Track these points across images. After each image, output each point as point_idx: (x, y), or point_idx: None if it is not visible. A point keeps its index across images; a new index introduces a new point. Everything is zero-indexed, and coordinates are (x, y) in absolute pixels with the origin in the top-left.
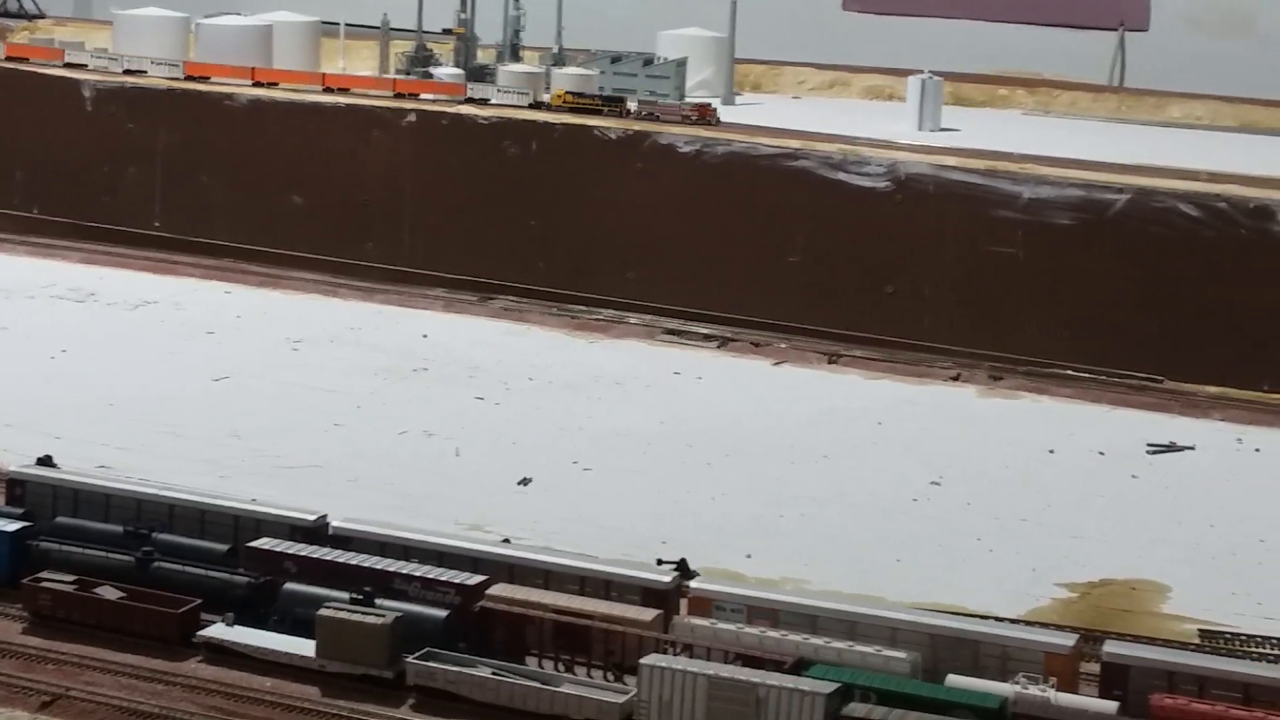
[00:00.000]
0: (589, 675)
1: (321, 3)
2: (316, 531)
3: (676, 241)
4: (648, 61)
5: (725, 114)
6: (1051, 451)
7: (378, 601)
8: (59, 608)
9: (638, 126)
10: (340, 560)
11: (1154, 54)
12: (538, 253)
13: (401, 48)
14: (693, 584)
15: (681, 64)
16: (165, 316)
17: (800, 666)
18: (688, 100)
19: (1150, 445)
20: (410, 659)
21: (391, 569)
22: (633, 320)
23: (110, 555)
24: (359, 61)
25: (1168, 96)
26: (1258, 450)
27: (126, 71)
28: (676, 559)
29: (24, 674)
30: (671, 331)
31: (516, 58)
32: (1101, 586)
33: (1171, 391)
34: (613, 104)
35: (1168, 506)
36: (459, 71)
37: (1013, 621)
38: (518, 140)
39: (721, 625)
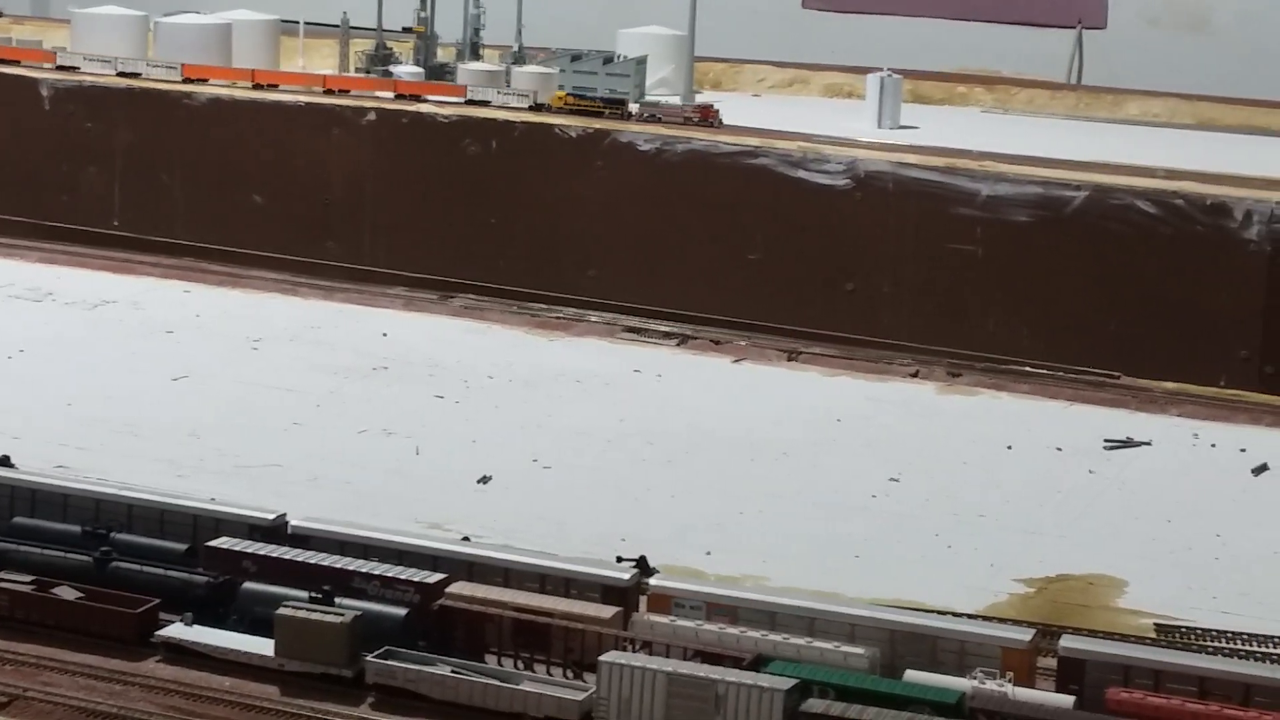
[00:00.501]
0: (549, 673)
1: (281, 1)
2: (275, 531)
3: (637, 239)
4: (607, 60)
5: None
6: (1009, 447)
7: (337, 600)
8: (16, 608)
9: (596, 124)
10: (299, 559)
11: (1111, 52)
12: (498, 251)
13: (361, 46)
14: (652, 581)
15: (641, 62)
16: (124, 316)
17: (759, 663)
18: (689, 102)
19: (1107, 441)
20: (370, 658)
21: (351, 568)
22: (593, 318)
23: (68, 555)
24: (319, 60)
25: (1125, 94)
26: (1214, 446)
27: (120, 74)
28: (636, 557)
29: None
30: (631, 329)
31: (476, 56)
32: (1059, 581)
33: (1129, 387)
34: (614, 106)
35: (1124, 502)
36: (419, 70)
37: (970, 617)
38: (478, 139)
39: (681, 622)
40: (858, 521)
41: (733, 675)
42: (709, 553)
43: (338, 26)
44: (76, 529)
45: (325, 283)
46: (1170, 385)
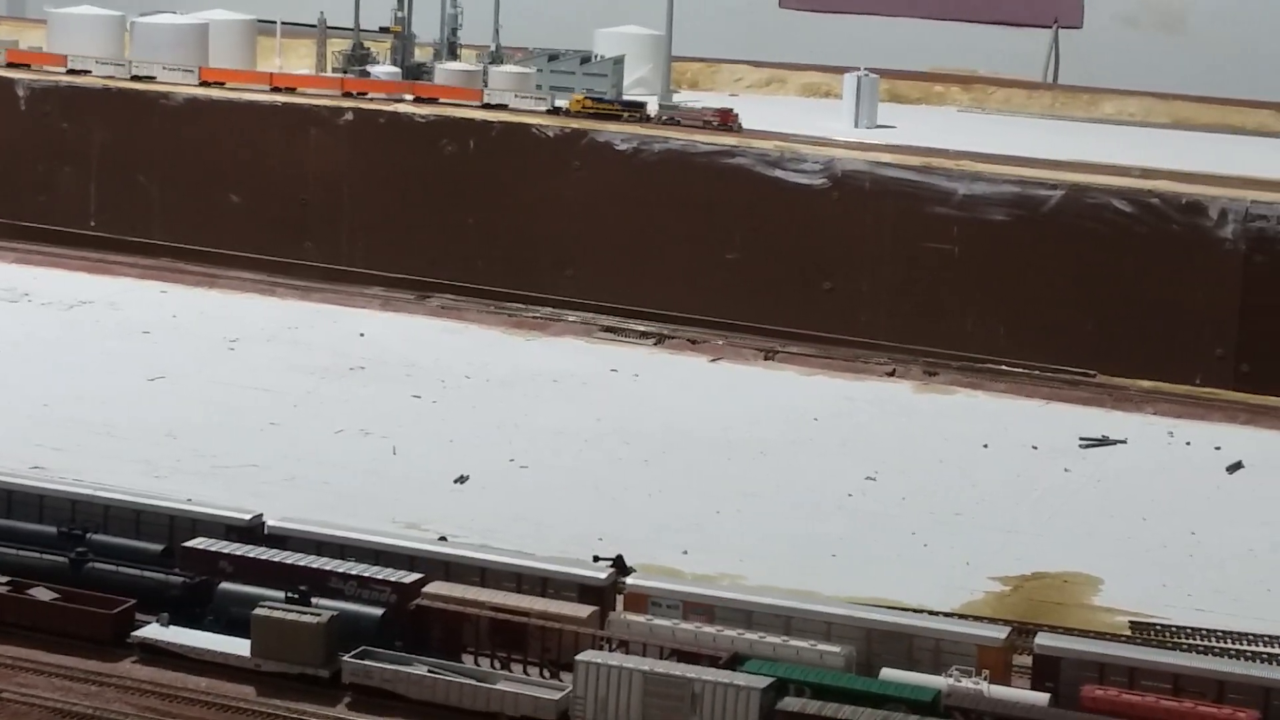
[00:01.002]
0: (525, 672)
1: (258, 1)
2: (252, 531)
3: (614, 239)
4: (585, 60)
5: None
6: (986, 446)
7: (313, 600)
8: None
9: (574, 124)
10: (276, 560)
11: (1087, 51)
12: (475, 251)
13: (338, 46)
14: (629, 580)
15: (619, 62)
16: (100, 316)
17: (735, 662)
18: (709, 105)
19: (1083, 439)
20: (346, 658)
21: (327, 568)
22: (570, 318)
23: (44, 556)
24: (296, 60)
25: (1101, 93)
26: (1188, 444)
27: (134, 78)
28: (613, 556)
29: None
30: (609, 329)
31: (454, 56)
32: (1034, 579)
33: (1104, 386)
34: (633, 109)
35: (1100, 500)
36: (396, 70)
37: (946, 615)
38: (455, 139)
39: (657, 621)
40: (834, 520)
41: (709, 674)
42: (686, 552)
43: (314, 26)
44: (52, 530)
45: (302, 283)
46: (1146, 384)
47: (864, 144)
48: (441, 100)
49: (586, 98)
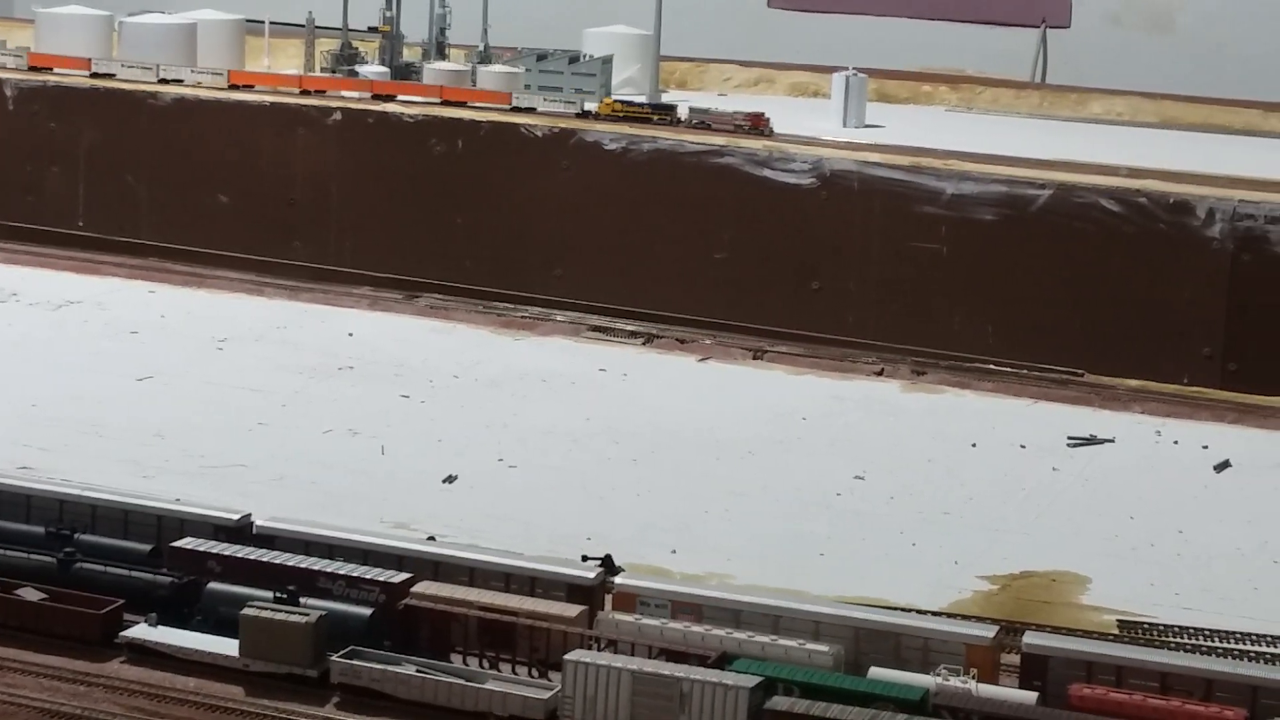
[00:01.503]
0: (514, 672)
1: (246, 1)
2: (240, 531)
3: (602, 239)
4: (573, 59)
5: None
6: (974, 445)
7: (302, 600)
8: None
9: (562, 124)
10: (264, 559)
11: (1075, 51)
12: (464, 250)
13: (327, 46)
14: (617, 580)
15: (607, 62)
16: (89, 316)
17: (724, 661)
18: (740, 110)
19: (1071, 439)
20: (334, 657)
21: (316, 568)
22: (559, 317)
23: (32, 556)
24: (284, 60)
25: (1089, 93)
26: (1176, 443)
27: (162, 80)
28: (601, 555)
29: None
30: (597, 329)
31: (442, 56)
32: (1022, 578)
33: (1092, 385)
34: (664, 113)
35: (1088, 499)
36: (385, 70)
37: (934, 614)
38: (444, 138)
39: (646, 621)
40: (822, 519)
41: (698, 673)
42: (674, 551)
43: (303, 26)
44: (40, 530)
45: (291, 283)
46: (1134, 383)
47: (852, 143)
48: (471, 104)
49: (616, 101)
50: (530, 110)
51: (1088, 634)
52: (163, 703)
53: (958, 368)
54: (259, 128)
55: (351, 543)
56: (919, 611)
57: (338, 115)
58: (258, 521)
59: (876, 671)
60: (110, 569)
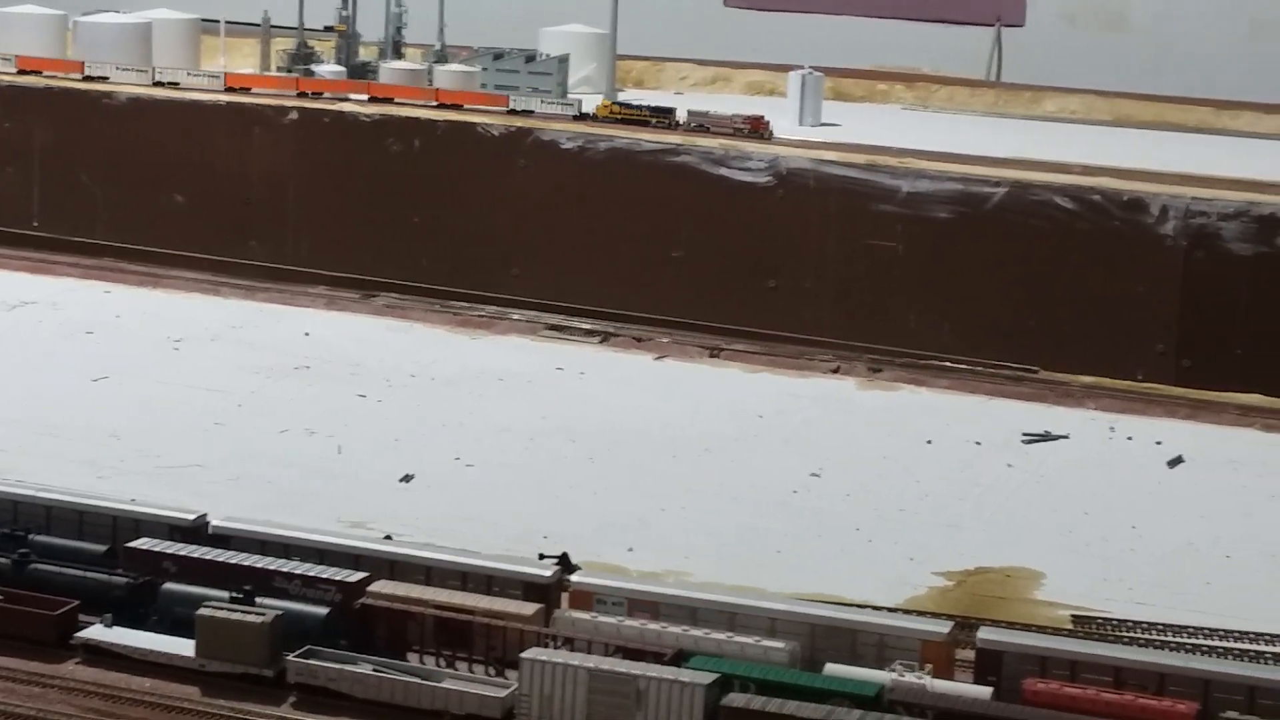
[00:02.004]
0: (471, 670)
1: (201, 0)
2: (196, 531)
3: (559, 237)
4: (530, 58)
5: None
6: (929, 442)
7: (258, 600)
8: None
9: (518, 123)
10: (220, 559)
11: (1030, 49)
12: (421, 249)
13: (282, 45)
14: (574, 578)
15: (564, 60)
16: (43, 316)
17: (680, 658)
18: (739, 113)
19: (1025, 435)
20: (291, 657)
21: (272, 567)
22: (515, 316)
23: None
24: (240, 59)
25: (1043, 91)
26: (1130, 439)
27: (156, 83)
28: (558, 554)
29: None
30: (554, 327)
31: (398, 55)
32: (977, 574)
33: (1047, 382)
34: (662, 115)
35: (1042, 495)
36: (341, 69)
37: (890, 610)
38: (400, 137)
39: (602, 619)
40: (779, 517)
41: (654, 670)
42: (631, 549)
43: (258, 25)
44: None
45: (247, 282)
46: (1088, 379)
47: (808, 142)
48: (466, 106)
49: (614, 104)
50: (528, 113)
51: (1042, 629)
52: (118, 704)
53: (913, 365)
54: (215, 127)
55: (308, 542)
56: (875, 608)
57: (294, 114)
58: (213, 521)
59: (832, 668)
60: (65, 570)
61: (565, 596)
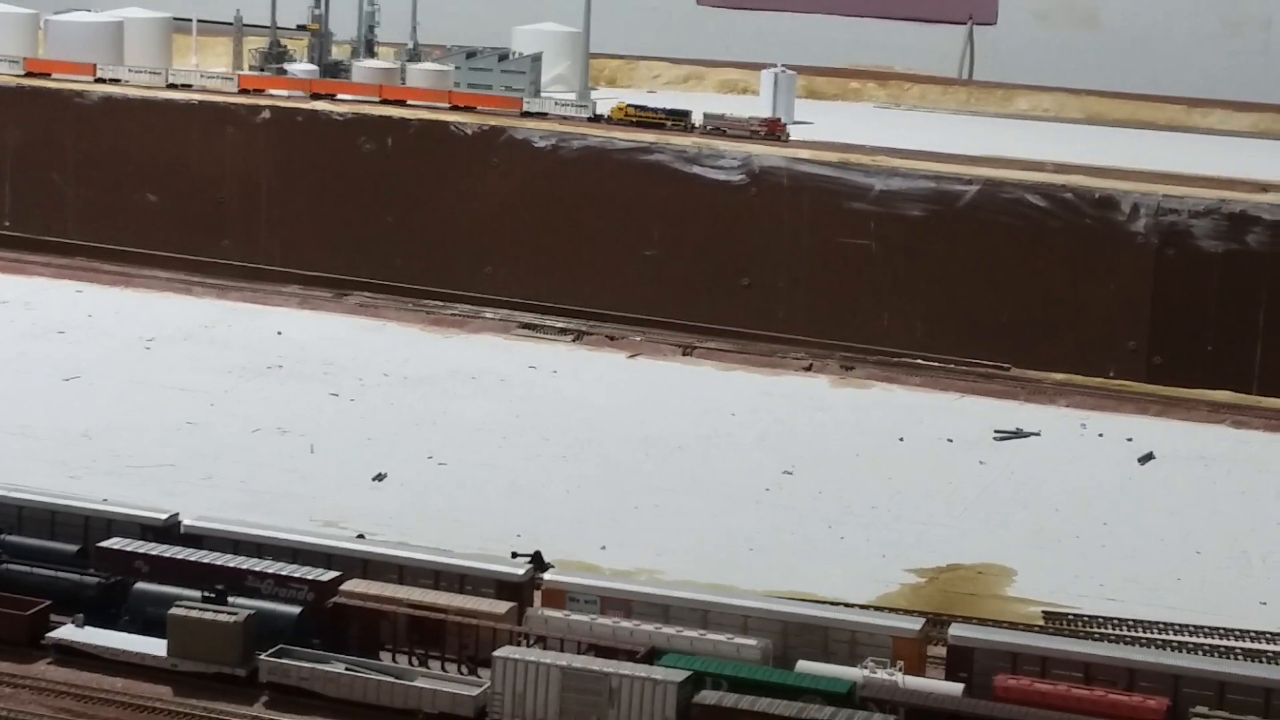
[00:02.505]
0: (443, 669)
1: None
2: (168, 530)
3: (532, 236)
4: (503, 57)
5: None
6: (901, 440)
7: (230, 599)
8: None
9: (486, 122)
10: (192, 559)
11: (1002, 48)
12: (394, 249)
13: (255, 44)
14: (546, 576)
15: (537, 59)
16: (15, 316)
17: (653, 656)
18: (755, 115)
19: (997, 432)
20: (263, 656)
21: (244, 566)
22: (488, 315)
23: None
24: (212, 58)
25: (1015, 89)
26: (1101, 435)
27: (170, 86)
28: (530, 552)
29: None
30: (527, 326)
31: (371, 54)
32: (949, 571)
33: (1018, 379)
34: (677, 118)
35: (1014, 492)
36: (314, 68)
37: (862, 607)
38: (374, 136)
39: (575, 617)
40: (751, 514)
41: (626, 668)
42: (603, 547)
43: (231, 24)
44: None
45: (219, 282)
46: (1059, 376)
47: (781, 140)
48: (481, 109)
49: (629, 106)
50: (542, 115)
51: (1013, 625)
52: (90, 704)
53: (886, 363)
54: (188, 126)
55: (280, 541)
56: (846, 605)
57: (266, 114)
58: (186, 521)
59: (804, 665)
60: (37, 570)
61: (538, 595)
